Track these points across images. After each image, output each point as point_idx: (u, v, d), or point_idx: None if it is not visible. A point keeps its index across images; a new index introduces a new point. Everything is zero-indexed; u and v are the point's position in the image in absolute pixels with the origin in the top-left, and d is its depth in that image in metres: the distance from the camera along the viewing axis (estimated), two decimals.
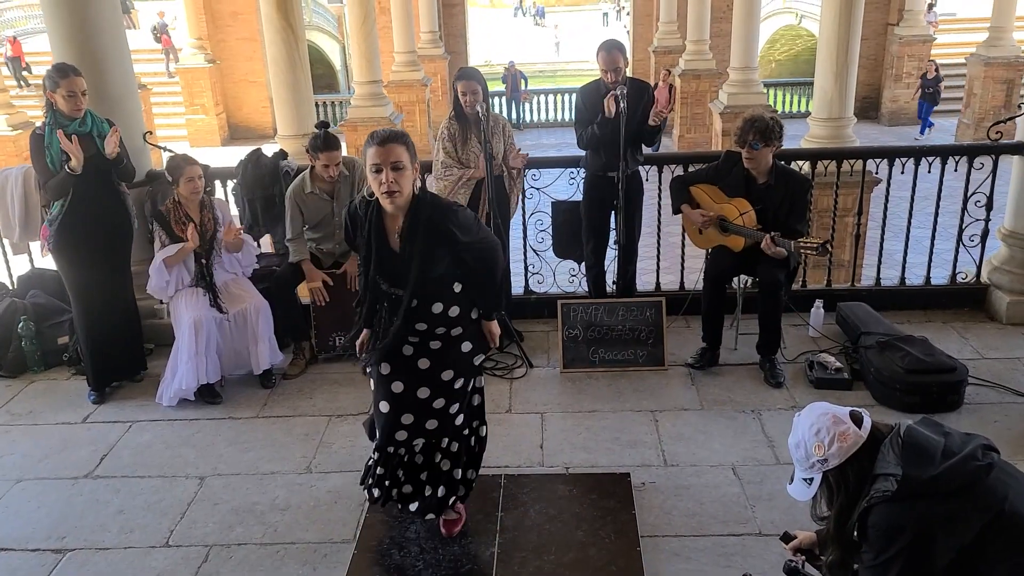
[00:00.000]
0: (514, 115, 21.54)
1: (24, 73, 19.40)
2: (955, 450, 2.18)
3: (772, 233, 4.35)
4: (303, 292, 5.01)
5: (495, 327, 3.28)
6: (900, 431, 2.25)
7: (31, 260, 5.47)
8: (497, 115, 5.09)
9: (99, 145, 4.40)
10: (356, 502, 3.72)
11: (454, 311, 3.10)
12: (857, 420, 2.28)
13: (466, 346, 3.19)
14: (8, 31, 22.53)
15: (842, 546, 2.30)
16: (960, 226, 5.39)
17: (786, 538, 2.66)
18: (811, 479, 2.31)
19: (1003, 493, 2.13)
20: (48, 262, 5.04)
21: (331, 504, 3.73)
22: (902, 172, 5.35)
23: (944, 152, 5.35)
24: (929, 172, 5.30)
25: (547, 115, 21.88)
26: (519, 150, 5.02)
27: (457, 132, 4.87)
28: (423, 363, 3.13)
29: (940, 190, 5.32)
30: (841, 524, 2.27)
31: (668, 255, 5.63)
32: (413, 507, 3.31)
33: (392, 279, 3.02)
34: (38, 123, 4.50)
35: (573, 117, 5.42)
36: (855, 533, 2.24)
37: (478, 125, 4.78)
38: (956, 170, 5.32)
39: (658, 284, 5.66)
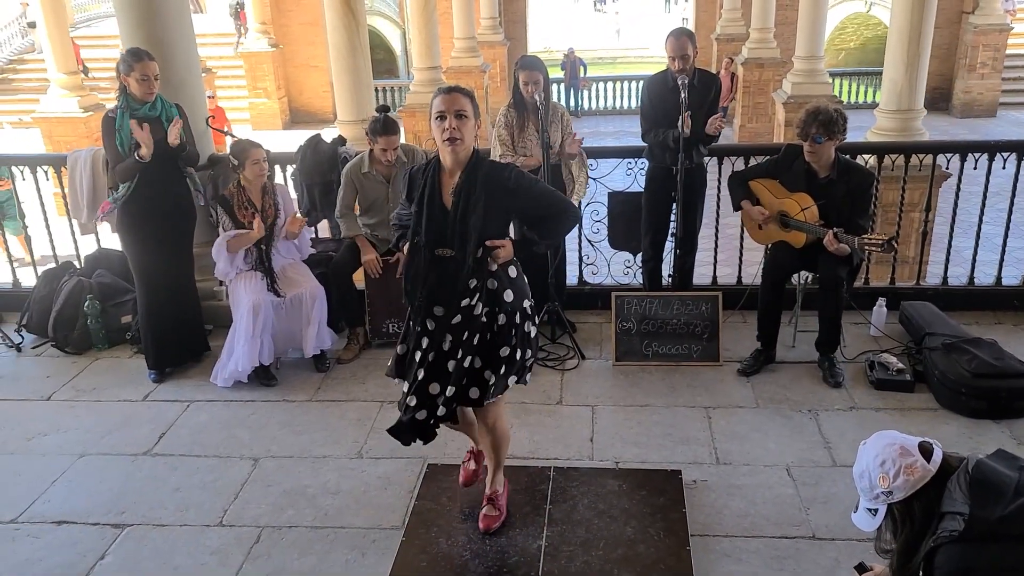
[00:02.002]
0: (572, 102, 21.38)
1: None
2: None
3: (835, 229, 4.23)
4: (358, 277, 5.05)
5: (510, 249, 3.08)
6: (968, 466, 2.14)
7: (98, 240, 5.62)
8: (555, 103, 5.03)
9: (167, 129, 4.49)
10: (406, 489, 3.74)
11: (494, 284, 3.09)
12: (927, 453, 2.18)
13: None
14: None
15: None
16: None
17: (861, 568, 2.57)
18: (875, 510, 2.22)
19: None
20: (115, 242, 5.18)
21: (381, 490, 3.76)
22: (975, 167, 5.15)
23: (1020, 147, 5.14)
24: (1004, 168, 5.10)
25: (606, 103, 21.66)
26: (574, 135, 4.94)
27: (515, 120, 4.84)
28: (463, 330, 3.10)
29: (1015, 186, 5.10)
30: (905, 561, 2.19)
31: (726, 248, 5.52)
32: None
33: (440, 237, 3.01)
34: (110, 106, 4.62)
35: (636, 106, 5.33)
36: (921, 573, 2.15)
37: (536, 113, 4.75)
38: None
39: (715, 278, 5.57)
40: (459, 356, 3.09)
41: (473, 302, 3.06)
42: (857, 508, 2.30)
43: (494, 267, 3.08)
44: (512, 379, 3.22)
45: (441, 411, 3.12)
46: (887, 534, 2.26)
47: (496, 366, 3.13)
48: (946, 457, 2.19)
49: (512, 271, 3.16)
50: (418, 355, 3.15)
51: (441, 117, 2.95)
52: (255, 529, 3.53)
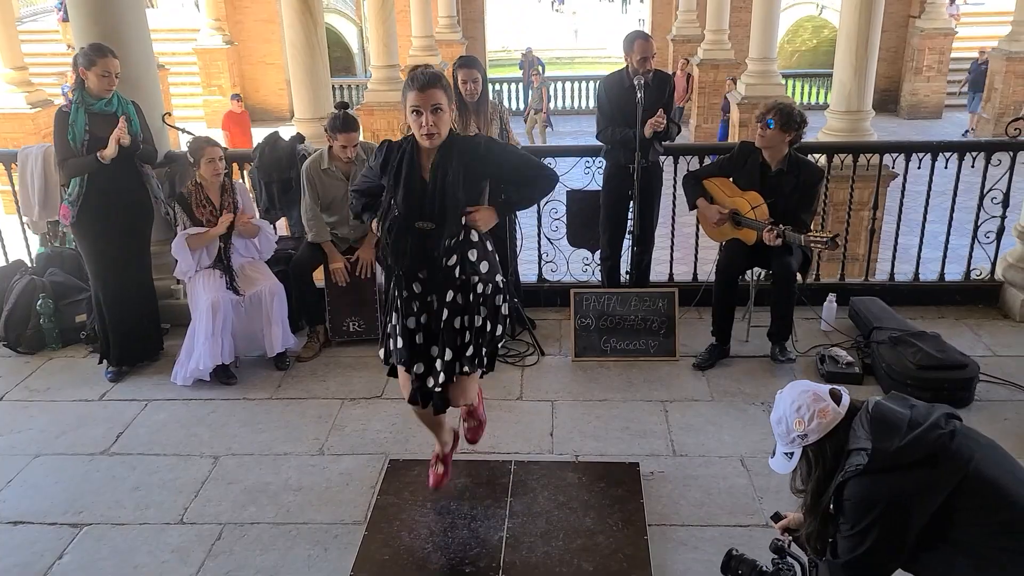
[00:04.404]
0: (530, 101, 21.43)
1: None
2: (920, 421, 2.26)
3: (784, 227, 4.36)
4: (318, 276, 5.05)
5: (491, 215, 3.18)
6: (868, 406, 2.34)
7: (50, 238, 5.52)
8: (495, 103, 5.10)
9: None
10: (367, 484, 3.77)
11: (474, 255, 3.16)
12: (836, 398, 2.37)
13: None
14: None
15: (819, 517, 2.40)
16: (976, 222, 5.37)
17: (776, 518, 2.77)
18: (791, 453, 2.40)
19: (968, 457, 2.22)
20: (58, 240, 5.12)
21: (343, 486, 3.78)
22: (919, 167, 5.33)
23: (962, 148, 5.34)
24: (946, 168, 5.28)
25: (563, 102, 21.78)
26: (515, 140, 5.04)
27: (455, 119, 4.88)
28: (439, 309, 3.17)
29: (956, 186, 5.30)
30: (818, 496, 2.37)
31: (682, 246, 5.63)
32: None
33: (420, 210, 3.06)
34: (60, 100, 4.56)
35: (593, 106, 5.43)
36: (831, 506, 2.34)
37: (477, 113, 4.83)
38: (973, 166, 5.30)
39: (671, 275, 5.67)
40: (446, 316, 3.14)
41: (451, 263, 3.11)
42: (774, 453, 2.48)
43: (475, 237, 3.14)
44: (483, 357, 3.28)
45: (441, 378, 3.18)
46: (802, 475, 2.44)
47: (477, 332, 3.20)
48: (852, 401, 2.39)
49: (488, 245, 3.23)
50: (411, 321, 3.19)
51: (417, 112, 2.98)
52: (216, 526, 3.53)
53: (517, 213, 4.81)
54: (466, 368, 3.20)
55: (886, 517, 2.22)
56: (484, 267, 3.20)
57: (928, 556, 2.25)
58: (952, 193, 5.33)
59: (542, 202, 5.39)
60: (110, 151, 4.34)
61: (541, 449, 4.03)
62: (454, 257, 3.11)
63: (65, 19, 19.84)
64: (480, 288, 3.18)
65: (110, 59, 4.36)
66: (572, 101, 21.68)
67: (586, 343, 4.90)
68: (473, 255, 3.16)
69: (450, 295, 3.15)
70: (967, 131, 17.13)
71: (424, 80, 2.98)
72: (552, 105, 21.72)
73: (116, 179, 4.50)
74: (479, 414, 3.61)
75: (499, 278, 3.28)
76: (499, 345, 3.39)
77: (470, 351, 3.19)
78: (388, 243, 3.12)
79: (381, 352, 3.36)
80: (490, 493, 3.63)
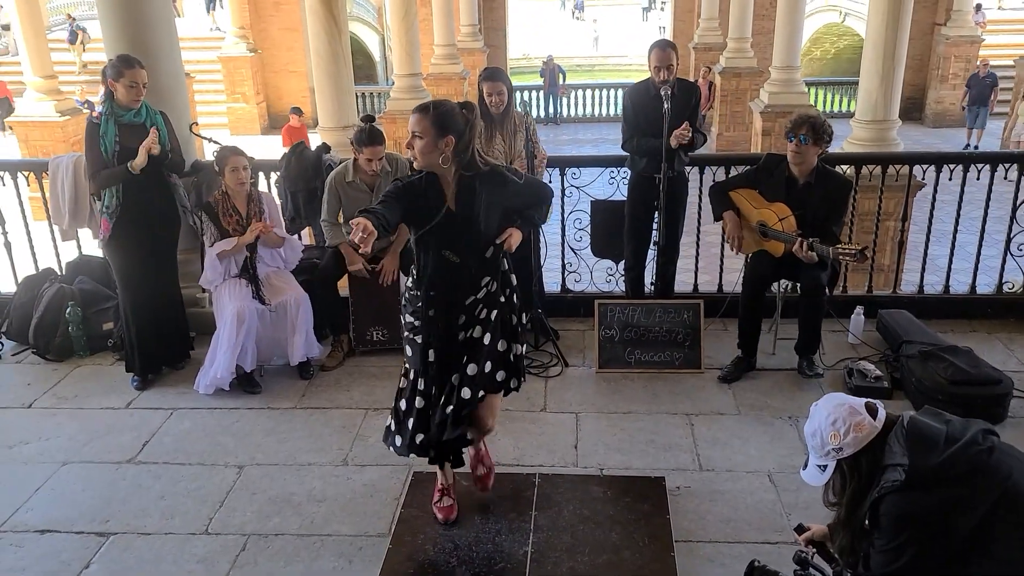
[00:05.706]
0: (551, 110, 21.50)
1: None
2: (957, 436, 2.25)
3: (811, 239, 4.31)
4: (343, 285, 5.06)
5: (519, 234, 3.29)
6: (904, 421, 2.32)
7: (79, 247, 5.58)
8: (522, 114, 5.09)
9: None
10: (392, 496, 3.76)
11: (493, 286, 3.27)
12: (872, 411, 2.36)
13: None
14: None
15: (852, 532, 2.38)
16: (1008, 234, 5.28)
17: (800, 529, 2.76)
18: (825, 466, 2.38)
19: (1006, 473, 2.20)
20: (96, 249, 5.15)
21: (367, 497, 3.77)
22: (950, 178, 5.26)
23: (994, 159, 5.27)
24: (978, 179, 5.21)
25: (585, 110, 21.80)
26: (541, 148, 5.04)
27: (481, 131, 4.87)
28: (460, 336, 3.27)
29: (989, 197, 5.22)
30: (852, 511, 2.36)
31: (706, 257, 5.59)
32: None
33: (450, 241, 3.14)
34: (94, 111, 4.60)
35: (616, 114, 5.40)
36: (866, 521, 2.32)
37: (503, 124, 4.81)
38: (1006, 177, 5.22)
39: (696, 286, 5.63)
40: (478, 333, 3.24)
41: (493, 289, 3.25)
42: (806, 465, 2.46)
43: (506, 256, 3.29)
44: (512, 381, 3.39)
45: (467, 394, 3.23)
46: (835, 488, 2.43)
47: (513, 339, 3.33)
48: (888, 416, 2.37)
49: (507, 262, 3.34)
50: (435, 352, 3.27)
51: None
52: (241, 537, 3.53)
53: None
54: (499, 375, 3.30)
55: (923, 533, 2.21)
56: (514, 280, 3.34)
57: (966, 571, 2.22)
58: (984, 204, 5.25)
59: (566, 212, 5.41)
60: (140, 160, 4.38)
61: (566, 462, 4.00)
62: (486, 278, 3.22)
63: (71, 42, 20.20)
64: (504, 297, 3.30)
65: (137, 70, 4.40)
66: (593, 108, 21.67)
67: (610, 354, 4.87)
68: (505, 265, 3.30)
69: (484, 312, 3.24)
70: (975, 146, 16.62)
71: (417, 107, 3.17)
72: (573, 113, 21.79)
73: (146, 189, 4.54)
74: (489, 461, 3.64)
75: (516, 297, 3.39)
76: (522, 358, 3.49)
77: (516, 352, 3.35)
78: (426, 278, 3.21)
79: (398, 441, 3.38)
80: (514, 507, 3.61)
